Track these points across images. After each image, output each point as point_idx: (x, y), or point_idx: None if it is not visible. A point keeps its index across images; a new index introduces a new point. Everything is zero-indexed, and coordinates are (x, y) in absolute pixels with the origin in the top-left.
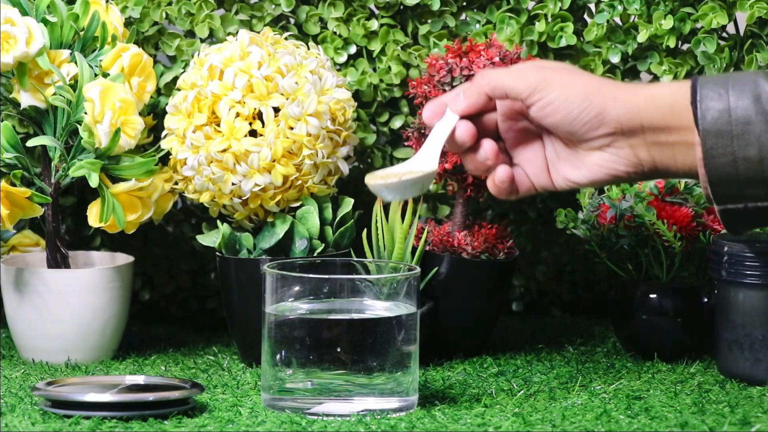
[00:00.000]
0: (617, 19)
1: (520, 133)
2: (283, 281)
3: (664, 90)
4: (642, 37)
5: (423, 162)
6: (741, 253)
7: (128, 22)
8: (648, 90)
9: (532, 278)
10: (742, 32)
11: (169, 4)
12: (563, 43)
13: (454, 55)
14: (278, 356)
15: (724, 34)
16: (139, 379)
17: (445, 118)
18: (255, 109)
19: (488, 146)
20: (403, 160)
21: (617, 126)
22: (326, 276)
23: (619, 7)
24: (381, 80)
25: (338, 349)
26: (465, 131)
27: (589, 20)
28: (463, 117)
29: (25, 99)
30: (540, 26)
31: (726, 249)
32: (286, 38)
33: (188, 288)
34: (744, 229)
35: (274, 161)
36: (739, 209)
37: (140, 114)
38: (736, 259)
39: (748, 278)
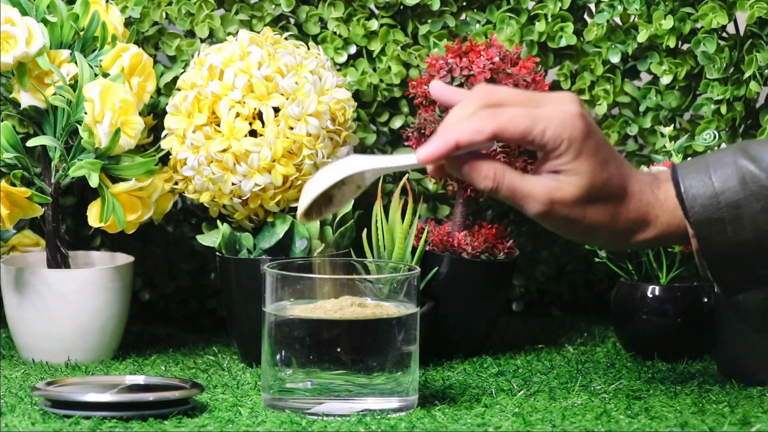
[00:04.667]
0: (617, 19)
1: None
2: (283, 281)
3: (666, 194)
4: (642, 37)
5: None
6: None
7: (128, 22)
8: (658, 194)
9: (532, 278)
10: (742, 32)
11: (169, 4)
12: (563, 43)
13: (454, 55)
14: (278, 356)
15: (724, 34)
16: (139, 379)
17: (406, 156)
18: (255, 109)
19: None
20: None
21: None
22: (326, 276)
23: (619, 7)
24: (381, 80)
25: (338, 349)
26: (434, 173)
27: (589, 20)
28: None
29: (25, 99)
30: (540, 26)
31: None
32: (286, 38)
33: (188, 288)
34: (741, 293)
35: (274, 161)
36: (739, 282)
37: (140, 114)
38: None
39: None
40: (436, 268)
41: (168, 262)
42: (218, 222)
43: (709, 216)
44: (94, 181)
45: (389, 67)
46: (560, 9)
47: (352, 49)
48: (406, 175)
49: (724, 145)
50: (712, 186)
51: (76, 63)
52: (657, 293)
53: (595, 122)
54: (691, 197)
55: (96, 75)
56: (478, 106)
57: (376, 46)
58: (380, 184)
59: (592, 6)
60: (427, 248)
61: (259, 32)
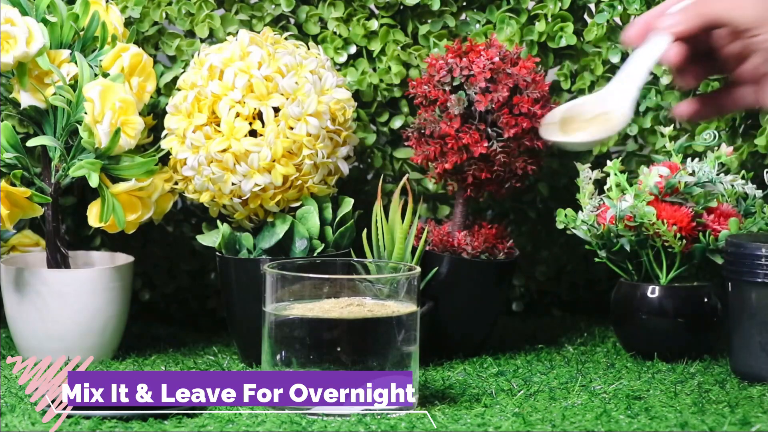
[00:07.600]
0: (617, 19)
1: (734, 53)
2: (283, 281)
3: None
4: None
5: (617, 98)
6: (755, 253)
7: (128, 22)
8: None
9: (532, 278)
10: None
11: (169, 4)
12: (563, 43)
13: (454, 55)
14: (278, 356)
15: None
16: None
17: (652, 43)
18: (255, 109)
19: (691, 79)
20: (404, 160)
21: None
22: (326, 276)
23: (619, 7)
24: (381, 80)
25: (338, 349)
26: (676, 55)
27: (589, 20)
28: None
29: (25, 99)
30: (540, 26)
31: (740, 249)
32: (286, 38)
33: (188, 288)
34: None
35: (274, 161)
36: None
37: (140, 114)
38: (751, 258)
39: (762, 277)
40: (436, 268)
41: (168, 262)
42: (218, 222)
43: None
44: (94, 181)
45: (389, 67)
46: (560, 9)
47: (352, 49)
48: (407, 175)
49: (724, 145)
50: None
51: (76, 63)
52: (657, 293)
53: None
54: None
55: (96, 75)
56: None
57: (376, 46)
58: (380, 184)
59: (592, 6)
60: (427, 248)
61: (259, 32)
